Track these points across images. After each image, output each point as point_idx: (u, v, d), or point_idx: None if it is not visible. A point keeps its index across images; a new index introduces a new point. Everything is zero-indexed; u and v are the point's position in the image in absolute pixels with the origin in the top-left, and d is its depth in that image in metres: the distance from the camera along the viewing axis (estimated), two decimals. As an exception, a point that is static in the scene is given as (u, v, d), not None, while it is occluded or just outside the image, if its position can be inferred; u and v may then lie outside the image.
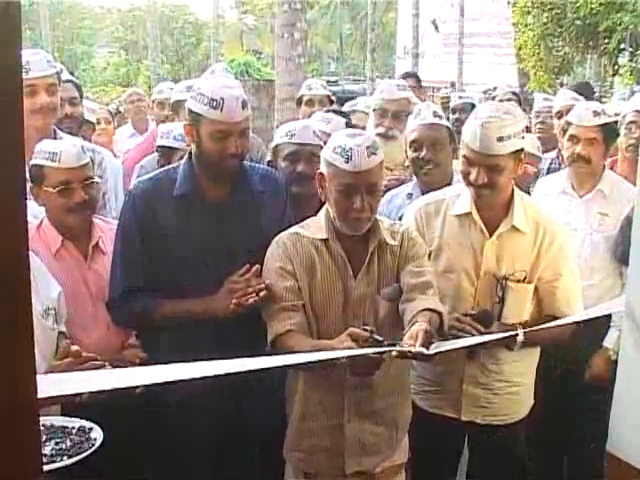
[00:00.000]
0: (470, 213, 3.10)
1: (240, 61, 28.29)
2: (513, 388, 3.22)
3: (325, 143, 3.03)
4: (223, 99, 2.70)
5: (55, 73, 3.78)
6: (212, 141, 2.76)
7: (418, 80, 6.97)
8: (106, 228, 3.14)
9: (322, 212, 2.89)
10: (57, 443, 2.29)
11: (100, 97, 19.33)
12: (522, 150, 3.01)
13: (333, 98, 5.95)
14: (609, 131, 3.93)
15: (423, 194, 3.51)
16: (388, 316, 2.84)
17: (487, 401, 3.20)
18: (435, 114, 3.70)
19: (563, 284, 3.15)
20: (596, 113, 3.90)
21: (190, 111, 2.79)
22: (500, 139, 2.88)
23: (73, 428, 2.37)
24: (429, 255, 3.12)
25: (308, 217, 3.05)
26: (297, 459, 2.97)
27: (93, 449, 2.26)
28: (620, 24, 16.51)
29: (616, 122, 4.16)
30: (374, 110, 4.63)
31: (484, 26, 26.89)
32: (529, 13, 20.08)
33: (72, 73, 7.84)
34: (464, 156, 3.00)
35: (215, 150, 2.77)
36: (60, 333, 2.76)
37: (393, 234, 2.88)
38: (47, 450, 2.23)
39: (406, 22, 24.75)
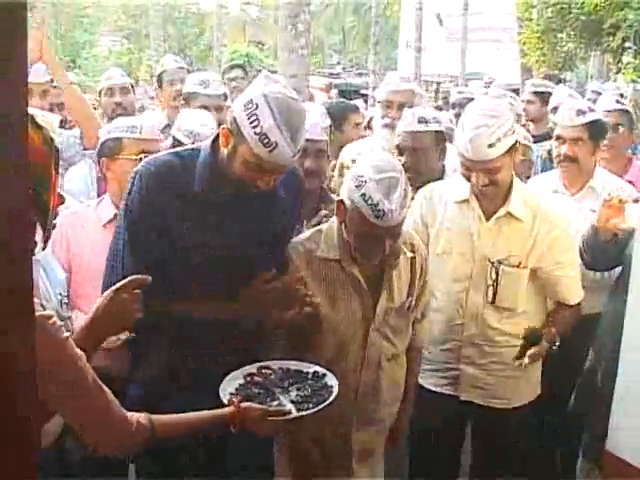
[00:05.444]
0: (468, 200, 3.21)
1: (242, 52, 28.24)
2: (512, 372, 3.28)
3: None
4: (277, 144, 2.43)
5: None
6: (246, 168, 2.53)
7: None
8: None
9: (335, 228, 2.86)
10: (299, 389, 2.37)
11: (102, 86, 19.17)
12: (516, 142, 3.09)
13: None
14: (596, 129, 3.92)
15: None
16: (400, 326, 2.97)
17: (484, 382, 3.31)
18: (421, 120, 3.72)
19: (564, 272, 3.27)
20: (580, 112, 3.91)
21: (234, 120, 2.52)
22: (491, 145, 2.94)
23: (308, 373, 2.45)
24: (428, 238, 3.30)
25: (309, 210, 3.11)
26: None
27: (333, 397, 2.32)
28: (625, 21, 16.45)
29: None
30: (380, 102, 4.74)
31: (488, 20, 26.82)
32: (533, 7, 20.04)
33: (74, 61, 7.88)
34: (461, 162, 3.08)
35: (244, 176, 2.56)
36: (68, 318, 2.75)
37: (407, 246, 2.91)
38: (293, 396, 2.34)
39: (409, 16, 24.67)
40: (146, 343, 2.71)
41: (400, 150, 3.77)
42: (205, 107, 4.55)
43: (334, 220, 2.87)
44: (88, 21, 32.21)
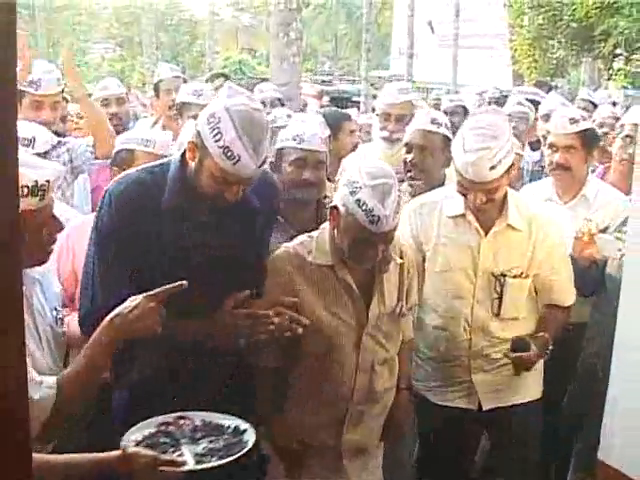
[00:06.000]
0: (464, 214, 3.16)
1: (235, 59, 28.27)
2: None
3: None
4: (240, 156, 2.43)
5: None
6: (212, 181, 2.53)
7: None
8: None
9: (326, 233, 2.88)
10: (211, 442, 2.25)
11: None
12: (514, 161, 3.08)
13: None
14: (588, 137, 3.93)
15: (412, 197, 3.59)
16: (391, 331, 2.98)
17: (497, 383, 3.28)
18: (434, 121, 3.75)
19: (559, 276, 3.27)
20: (573, 120, 3.90)
21: (199, 134, 2.52)
22: (493, 167, 2.93)
23: (228, 427, 2.33)
24: (423, 257, 3.26)
25: (306, 221, 3.18)
26: None
27: (243, 452, 2.21)
28: (616, 28, 16.52)
29: (600, 126, 4.15)
30: (377, 115, 4.72)
31: (479, 27, 26.87)
32: (525, 14, 20.11)
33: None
34: (458, 180, 3.05)
35: (211, 189, 2.55)
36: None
37: (396, 251, 2.94)
38: (199, 449, 2.20)
39: (401, 23, 24.72)
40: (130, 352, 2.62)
41: (408, 147, 3.77)
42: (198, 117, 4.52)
43: (325, 226, 2.89)
44: (81, 28, 32.24)
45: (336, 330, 2.84)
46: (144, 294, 2.22)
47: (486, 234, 3.17)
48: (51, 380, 2.16)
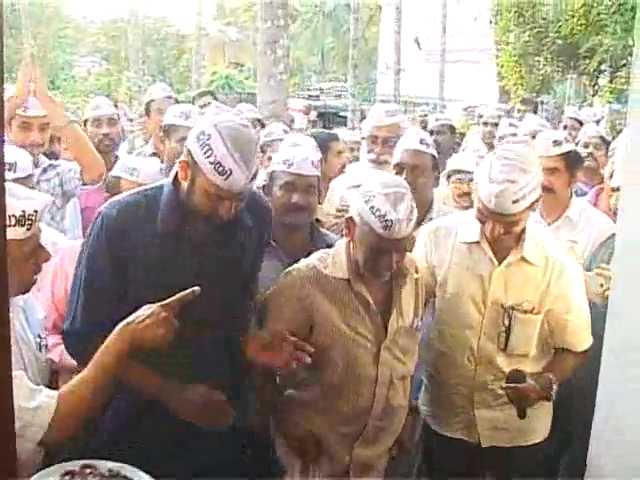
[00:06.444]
0: (479, 242, 3.12)
1: (222, 74, 28.30)
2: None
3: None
4: (231, 170, 2.45)
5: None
6: (206, 198, 2.54)
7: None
8: None
9: (342, 248, 2.94)
10: None
11: (81, 107, 19.09)
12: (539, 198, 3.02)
13: None
14: (572, 159, 3.95)
15: None
16: (409, 345, 3.01)
17: (503, 422, 3.18)
18: (422, 141, 3.78)
19: (573, 316, 3.15)
20: (556, 142, 3.92)
21: (189, 152, 2.54)
22: (516, 201, 2.87)
23: None
24: (435, 281, 3.24)
25: (298, 246, 3.22)
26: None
27: None
28: (601, 46, 16.63)
29: (585, 146, 4.16)
30: (363, 138, 4.73)
31: (466, 42, 27.02)
32: (511, 31, 20.18)
33: (53, 82, 7.93)
34: (478, 208, 3.00)
35: (205, 207, 2.56)
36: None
37: (412, 267, 3.00)
38: None
39: (388, 38, 24.81)
40: None
41: (399, 168, 3.76)
42: (185, 139, 4.50)
43: (341, 241, 2.96)
44: (67, 42, 32.19)
45: (355, 343, 2.88)
46: (159, 303, 2.24)
47: (499, 264, 3.09)
48: (52, 392, 2.17)
